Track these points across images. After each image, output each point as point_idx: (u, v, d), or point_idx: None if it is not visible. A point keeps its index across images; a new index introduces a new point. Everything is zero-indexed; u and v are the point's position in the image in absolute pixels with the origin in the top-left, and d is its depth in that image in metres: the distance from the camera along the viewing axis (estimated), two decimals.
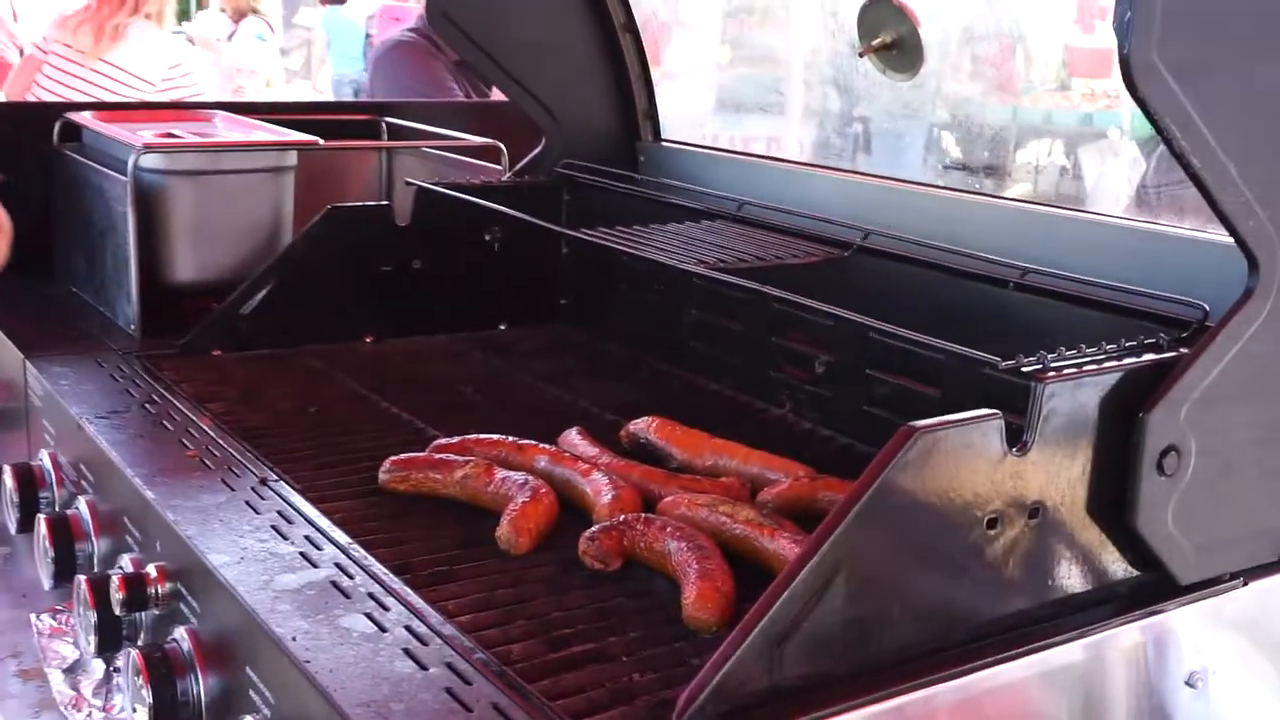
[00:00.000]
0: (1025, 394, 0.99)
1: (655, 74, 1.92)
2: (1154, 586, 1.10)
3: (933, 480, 0.94)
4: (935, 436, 0.92)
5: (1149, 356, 1.05)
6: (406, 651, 0.93)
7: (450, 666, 0.92)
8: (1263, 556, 1.15)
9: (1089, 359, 1.04)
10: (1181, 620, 1.09)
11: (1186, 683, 1.10)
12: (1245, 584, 1.13)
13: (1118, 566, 1.08)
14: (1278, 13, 1.03)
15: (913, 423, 0.92)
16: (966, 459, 0.95)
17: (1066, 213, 1.41)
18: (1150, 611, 1.08)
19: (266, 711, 0.98)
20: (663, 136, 1.98)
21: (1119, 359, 1.05)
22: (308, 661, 0.91)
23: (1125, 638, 1.06)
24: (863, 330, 1.25)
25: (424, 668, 0.91)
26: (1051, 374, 0.99)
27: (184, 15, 7.63)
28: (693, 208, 1.70)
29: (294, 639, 0.94)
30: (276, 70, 6.20)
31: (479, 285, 1.85)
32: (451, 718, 0.85)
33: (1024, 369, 1.00)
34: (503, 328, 1.87)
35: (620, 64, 1.94)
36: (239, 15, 6.18)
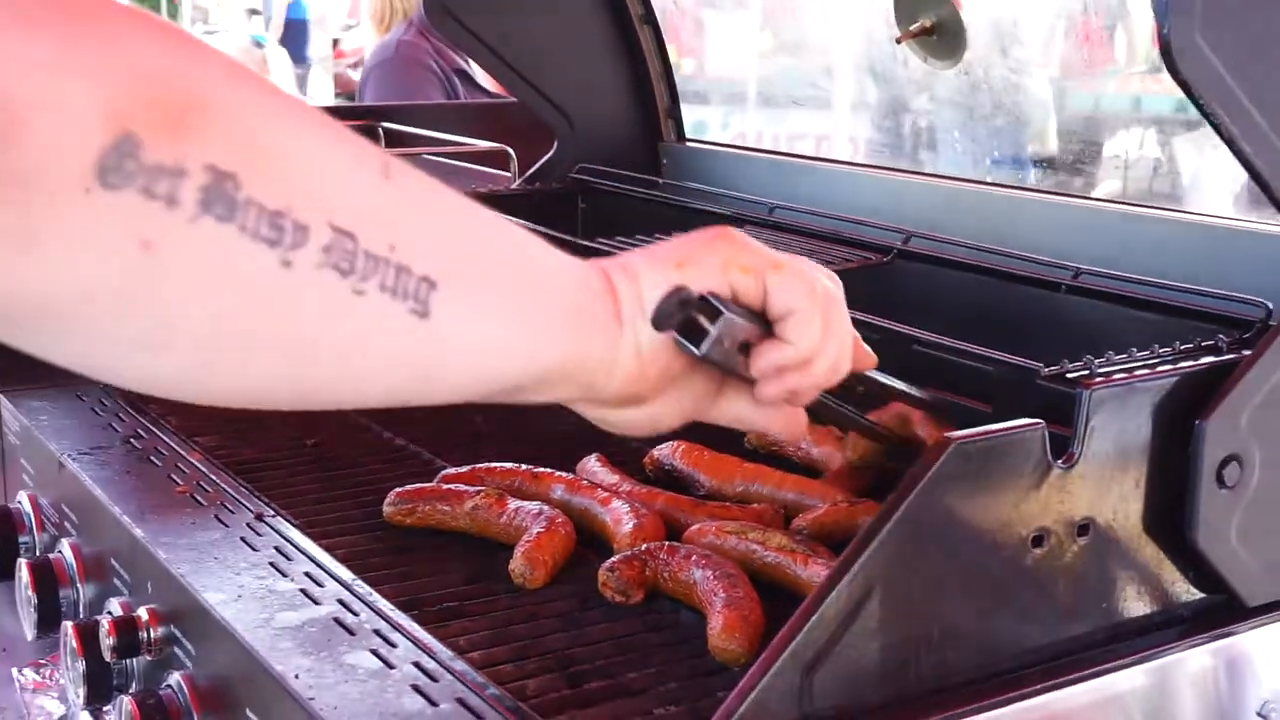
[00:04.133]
0: (1074, 402, 1.06)
1: (690, 67, 2.00)
2: (1220, 609, 1.14)
3: (971, 495, 0.99)
4: (973, 448, 0.97)
5: (1206, 360, 1.10)
6: (415, 688, 0.99)
7: (462, 702, 0.98)
8: None
9: (1140, 363, 1.09)
10: (1250, 645, 1.14)
11: (1259, 713, 1.13)
12: None
13: (1180, 588, 1.13)
14: None
15: (949, 433, 1.00)
16: (1008, 472, 1.00)
17: (1121, 207, 1.47)
18: (1214, 635, 1.12)
19: None
20: (688, 136, 2.05)
21: (1173, 363, 1.09)
22: (311, 699, 0.98)
23: (1188, 664, 1.11)
24: (906, 341, 1.31)
25: (434, 704, 0.97)
26: (1099, 380, 1.04)
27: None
28: (720, 213, 1.75)
29: (296, 676, 1.01)
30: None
31: None
32: None
33: (1069, 375, 1.05)
34: None
35: (639, 59, 2.00)
36: None
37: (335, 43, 9.98)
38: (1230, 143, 1.05)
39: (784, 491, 1.31)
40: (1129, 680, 1.08)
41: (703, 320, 0.93)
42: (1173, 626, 1.13)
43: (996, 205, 1.55)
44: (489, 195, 1.91)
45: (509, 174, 2.02)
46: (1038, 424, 1.02)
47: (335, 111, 2.56)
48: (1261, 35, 1.06)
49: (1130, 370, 1.08)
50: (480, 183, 2.02)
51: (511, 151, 2.02)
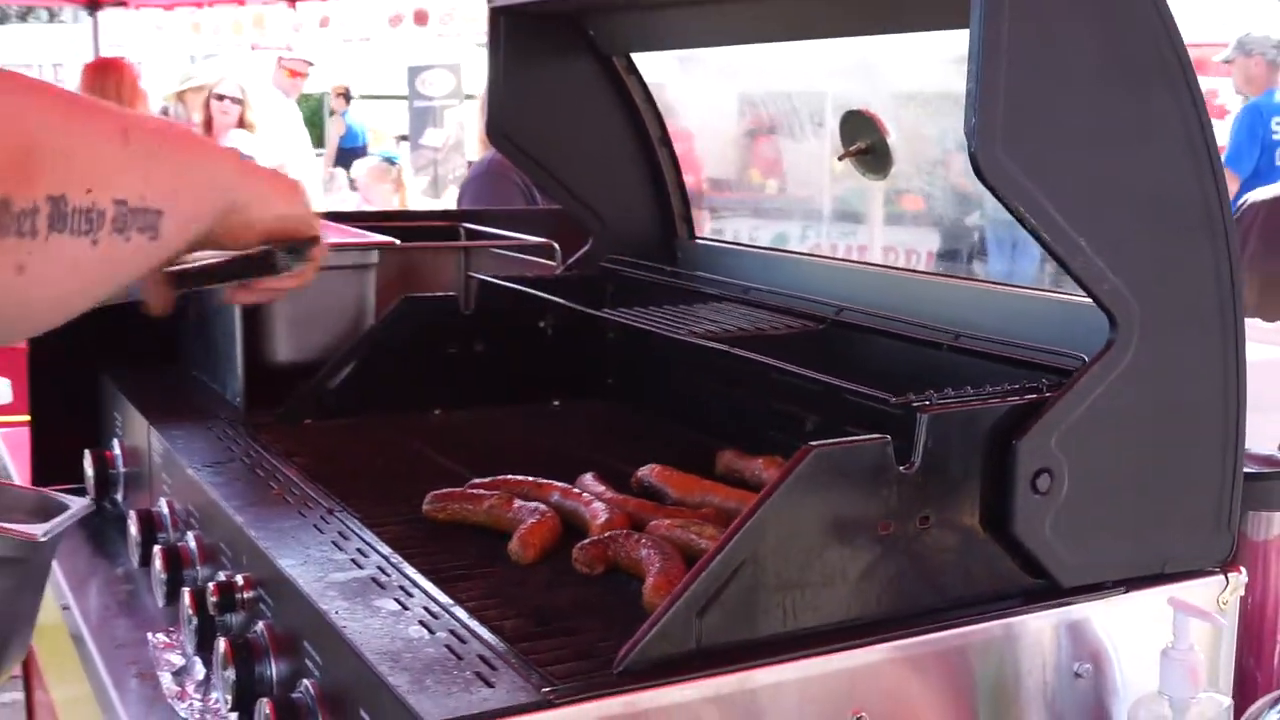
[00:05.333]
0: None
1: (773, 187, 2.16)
2: (1044, 591, 1.25)
3: (827, 489, 1.15)
4: (826, 452, 1.14)
5: (1028, 396, 1.24)
6: (421, 623, 1.18)
7: (453, 632, 1.16)
8: (1147, 569, 1.30)
9: (974, 397, 1.25)
10: (1065, 618, 1.25)
11: (1076, 673, 1.26)
12: (1127, 591, 1.28)
13: (1011, 572, 1.25)
14: (1109, 111, 1.21)
15: (811, 443, 1.16)
16: (859, 471, 1.16)
17: (996, 286, 1.63)
18: (1036, 610, 1.24)
19: (317, 674, 1.23)
20: (716, 238, 2.23)
21: (1001, 397, 1.24)
22: (344, 626, 1.17)
23: (1016, 630, 1.23)
24: (825, 385, 1.48)
25: (432, 632, 1.16)
26: (933, 407, 1.20)
27: None
28: (713, 293, 1.94)
29: (335, 613, 1.20)
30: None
31: (534, 365, 2.09)
32: (445, 661, 1.09)
33: (913, 404, 1.21)
34: (555, 403, 2.11)
35: (658, 173, 2.16)
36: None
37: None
38: (1033, 233, 1.18)
39: (728, 501, 1.48)
40: (962, 639, 1.20)
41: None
42: (1002, 601, 1.24)
43: (905, 285, 1.73)
44: (537, 279, 2.11)
45: (554, 263, 2.19)
46: (884, 437, 1.17)
47: (430, 214, 2.80)
48: (1054, 148, 1.19)
49: (964, 402, 1.24)
50: (530, 269, 2.19)
51: (556, 245, 2.19)
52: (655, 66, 2.17)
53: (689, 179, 2.15)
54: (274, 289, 1.33)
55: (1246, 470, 1.40)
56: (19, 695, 4.04)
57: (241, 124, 7.10)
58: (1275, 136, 6.86)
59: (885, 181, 1.77)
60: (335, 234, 2.24)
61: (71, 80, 14.96)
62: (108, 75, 5.88)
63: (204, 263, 1.29)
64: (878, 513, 1.18)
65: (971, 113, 1.15)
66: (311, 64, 7.90)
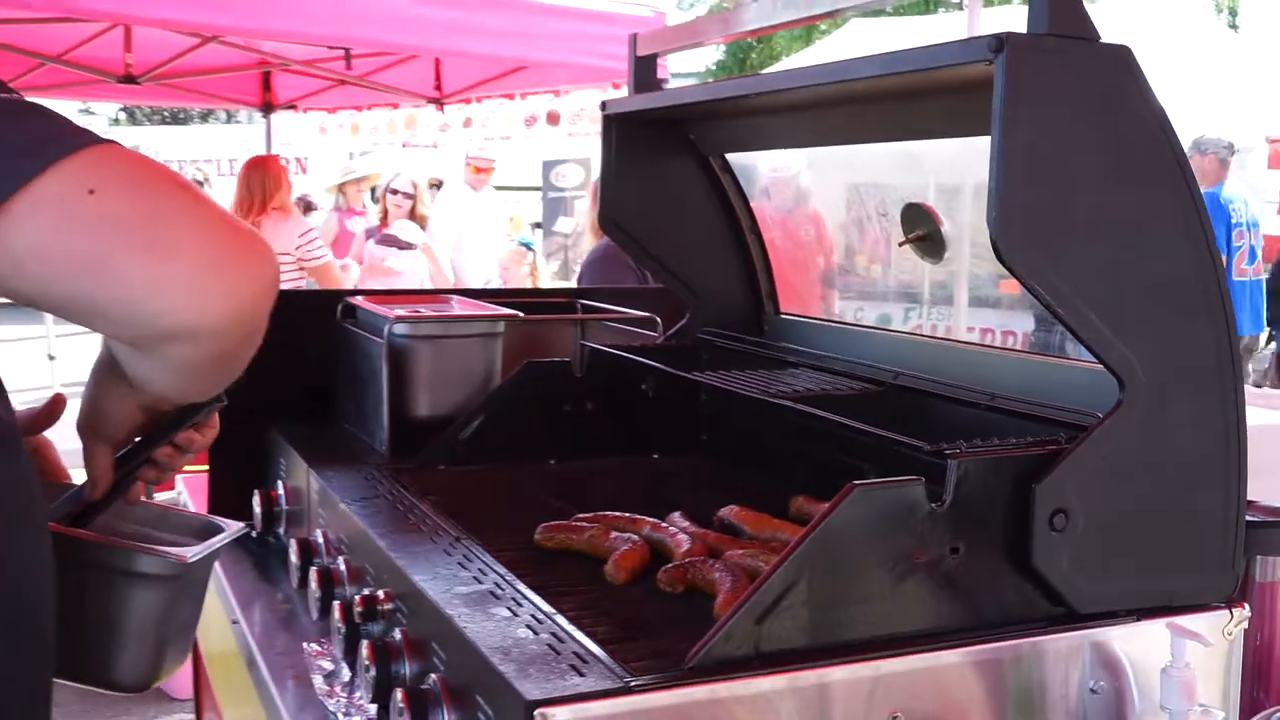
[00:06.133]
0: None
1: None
2: (1063, 617, 1.33)
3: (868, 520, 1.24)
4: (866, 490, 1.24)
5: (1047, 447, 1.33)
6: (528, 626, 1.29)
7: (553, 634, 1.27)
8: (1157, 600, 1.36)
9: (998, 446, 1.34)
10: (1082, 640, 1.32)
11: (1091, 689, 1.33)
12: (1139, 620, 1.35)
13: (1034, 600, 1.32)
14: (1114, 204, 1.30)
15: (854, 482, 1.26)
16: (896, 507, 1.25)
17: (1025, 355, 1.74)
18: (1056, 632, 1.31)
19: (442, 668, 1.34)
20: (789, 312, 2.30)
21: (1024, 448, 1.34)
22: (465, 628, 1.28)
23: (1038, 650, 1.31)
24: (879, 438, 1.59)
25: (536, 634, 1.27)
26: (963, 455, 1.29)
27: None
28: (787, 360, 2.04)
29: (459, 617, 1.32)
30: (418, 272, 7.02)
31: (637, 422, 2.19)
32: (546, 656, 1.20)
33: (945, 452, 1.30)
34: (655, 456, 2.21)
35: (748, 257, 2.26)
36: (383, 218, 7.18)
37: None
38: (1048, 308, 1.27)
39: (793, 536, 1.61)
40: (988, 654, 1.28)
41: None
42: (1026, 623, 1.32)
43: (951, 353, 1.82)
44: (641, 347, 2.22)
45: (656, 334, 2.27)
46: (918, 479, 1.27)
47: (551, 292, 2.93)
48: (1066, 236, 1.28)
49: (989, 450, 1.33)
50: (635, 339, 2.28)
51: (658, 319, 2.27)
52: (783, 159, 2.25)
53: (819, 261, 2.25)
54: (188, 450, 1.43)
55: (1255, 519, 1.48)
56: (189, 718, 4.23)
57: (412, 215, 7.48)
58: (1234, 220, 7.89)
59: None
60: (469, 308, 2.42)
61: None
62: (254, 169, 6.49)
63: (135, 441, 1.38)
64: (912, 543, 1.27)
65: (993, 206, 1.25)
66: (494, 161, 8.16)
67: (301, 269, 6.30)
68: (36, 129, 0.99)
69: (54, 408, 1.53)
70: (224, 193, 8.41)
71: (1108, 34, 1.30)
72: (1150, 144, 1.32)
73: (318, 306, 2.43)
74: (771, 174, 5.84)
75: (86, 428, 1.36)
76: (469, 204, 8.03)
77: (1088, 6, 1.29)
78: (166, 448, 1.40)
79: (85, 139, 0.99)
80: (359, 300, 2.37)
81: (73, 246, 0.96)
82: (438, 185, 11.73)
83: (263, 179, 6.34)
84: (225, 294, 0.99)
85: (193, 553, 1.40)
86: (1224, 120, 11.85)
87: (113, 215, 0.96)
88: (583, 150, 12.14)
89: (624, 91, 6.92)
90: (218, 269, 0.99)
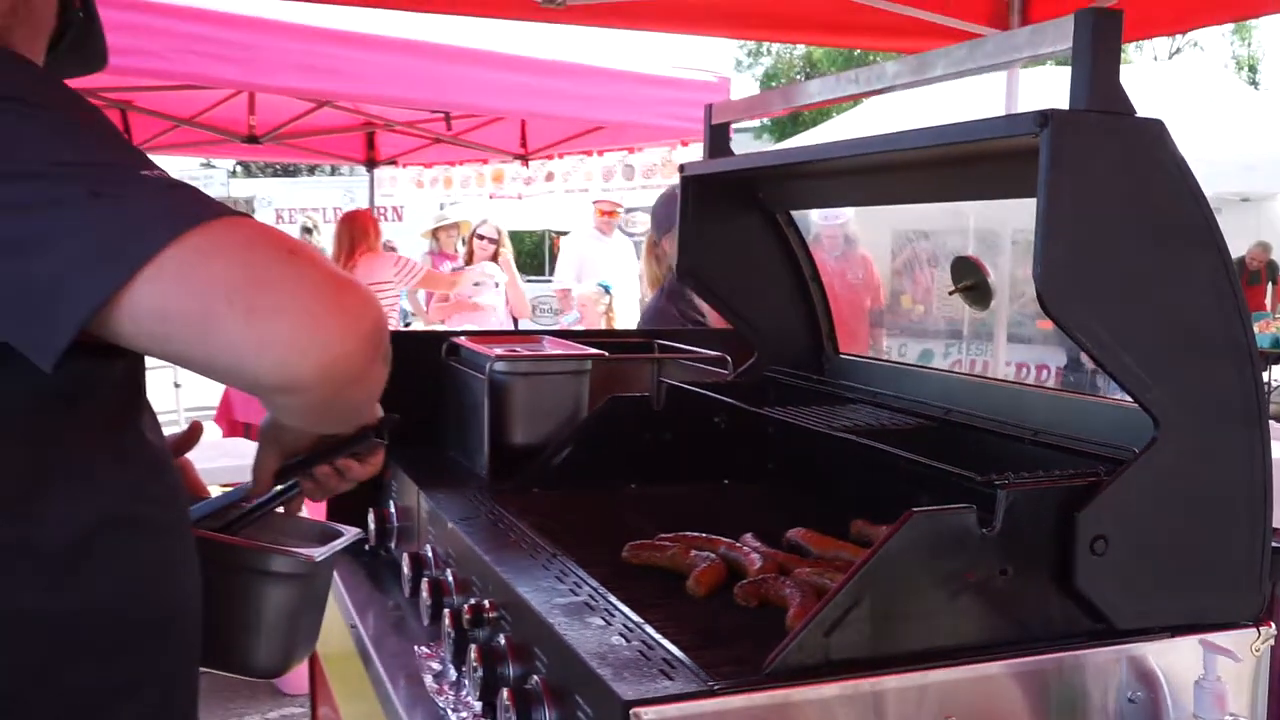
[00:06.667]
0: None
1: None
2: (1104, 632, 1.34)
3: (926, 543, 1.26)
4: (924, 516, 1.26)
5: (1087, 479, 1.35)
6: (620, 635, 1.32)
7: (643, 642, 1.30)
8: (1190, 618, 1.37)
9: (1043, 478, 1.35)
10: (1120, 654, 1.33)
11: (1129, 699, 1.34)
12: (1173, 636, 1.35)
13: (1076, 616, 1.33)
14: (1148, 260, 1.31)
15: (914, 508, 1.28)
16: (951, 532, 1.27)
17: (1066, 394, 1.75)
18: (1096, 646, 1.32)
19: (544, 670, 1.37)
20: (847, 352, 2.32)
21: (1064, 479, 1.35)
22: (565, 635, 1.32)
23: (1081, 662, 1.32)
24: (932, 468, 1.61)
25: (628, 641, 1.30)
26: (1011, 485, 1.30)
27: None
28: (846, 396, 2.07)
29: (558, 625, 1.35)
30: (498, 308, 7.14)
31: (710, 452, 2.21)
32: (638, 661, 1.23)
33: (995, 483, 1.31)
34: (726, 482, 2.23)
35: (810, 302, 2.29)
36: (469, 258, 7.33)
37: None
38: (1087, 352, 1.29)
39: (856, 557, 1.59)
40: (1035, 665, 1.30)
41: None
42: (1069, 638, 1.33)
43: (998, 392, 1.83)
44: (713, 384, 2.25)
45: (726, 372, 2.28)
46: (970, 506, 1.28)
47: (631, 333, 2.96)
48: (1104, 288, 1.30)
49: (1035, 481, 1.34)
50: (708, 376, 2.29)
51: (728, 358, 2.28)
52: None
53: (867, 301, 2.27)
54: (349, 476, 1.49)
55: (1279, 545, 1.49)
56: (300, 711, 4.29)
57: (494, 258, 7.63)
58: None
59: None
60: (560, 347, 2.46)
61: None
62: (343, 223, 7.01)
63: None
64: (965, 564, 1.29)
65: (1039, 263, 1.27)
66: (620, 204, 8.17)
67: (408, 287, 6.86)
68: (168, 202, 1.03)
69: (192, 434, 1.61)
70: (329, 238, 8.57)
71: (1139, 95, 1.32)
72: (1181, 207, 1.34)
73: (425, 345, 2.48)
74: (823, 222, 5.86)
75: (264, 434, 1.43)
76: (598, 249, 7.90)
77: (1121, 69, 1.30)
78: (327, 467, 1.46)
79: (208, 212, 1.03)
80: (462, 340, 2.42)
81: (188, 311, 1.00)
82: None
83: (350, 231, 6.76)
84: (319, 352, 1.01)
85: (319, 553, 1.46)
86: (1248, 171, 11.69)
87: (223, 283, 1.00)
88: (652, 200, 12.18)
89: (692, 148, 7.01)
90: (311, 331, 1.02)
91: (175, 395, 8.50)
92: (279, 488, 1.48)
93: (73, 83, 1.23)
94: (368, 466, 1.49)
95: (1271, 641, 1.42)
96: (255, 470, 1.46)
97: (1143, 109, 1.28)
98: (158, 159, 1.14)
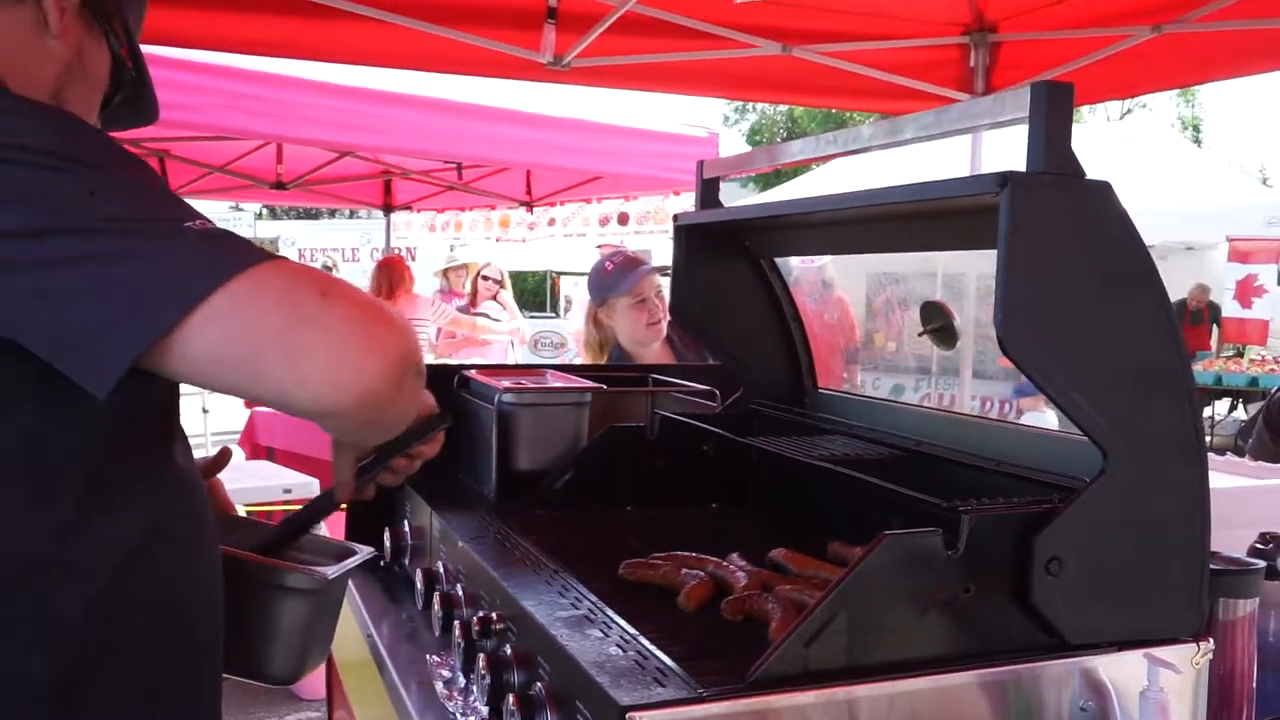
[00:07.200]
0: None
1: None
2: (1056, 646, 1.34)
3: (897, 563, 1.27)
4: (896, 538, 1.26)
5: (1042, 506, 1.35)
6: (617, 645, 1.33)
7: (639, 653, 1.30)
8: (1136, 634, 1.37)
9: (1002, 505, 1.36)
10: (1071, 667, 1.33)
11: (1081, 708, 1.34)
12: (1120, 650, 1.35)
13: (1031, 631, 1.33)
14: (1099, 306, 1.32)
15: (885, 531, 1.29)
16: (919, 553, 1.27)
17: (1026, 428, 1.76)
18: (1049, 659, 1.32)
19: (546, 678, 1.38)
20: (823, 386, 2.34)
21: (1021, 505, 1.36)
22: (566, 645, 1.32)
23: (1036, 674, 1.32)
24: (901, 495, 1.62)
25: (625, 652, 1.30)
26: (973, 511, 1.31)
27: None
28: (824, 428, 2.07)
29: (560, 636, 1.36)
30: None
31: (699, 478, 2.22)
32: (633, 669, 1.24)
33: (959, 509, 1.32)
34: (713, 505, 2.23)
35: (791, 341, 2.30)
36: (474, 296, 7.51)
37: None
38: (1042, 390, 1.31)
39: (833, 575, 1.59)
40: (997, 676, 1.30)
41: None
42: (1026, 651, 1.33)
43: (964, 426, 1.84)
44: (702, 415, 2.25)
45: (715, 404, 2.29)
46: (937, 530, 1.29)
47: (625, 367, 2.97)
48: (1058, 332, 1.30)
49: (995, 508, 1.35)
50: (697, 408, 2.30)
51: (717, 391, 2.29)
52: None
53: (841, 339, 2.29)
54: (418, 459, 1.53)
55: (1218, 567, 1.50)
56: (316, 715, 4.27)
57: (495, 298, 7.74)
58: None
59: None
60: (562, 380, 2.48)
61: (363, 262, 15.86)
62: (382, 268, 7.28)
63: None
64: (932, 582, 1.29)
65: (999, 308, 1.28)
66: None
67: (437, 326, 7.27)
68: (213, 251, 1.06)
69: (222, 458, 1.63)
70: (349, 278, 8.64)
71: (1093, 152, 1.35)
72: (1126, 258, 1.36)
73: (438, 377, 2.48)
74: (802, 265, 5.89)
75: (336, 442, 1.45)
76: None
77: (1075, 131, 1.33)
78: (401, 459, 1.46)
79: (249, 259, 1.05)
80: (473, 373, 2.44)
81: (238, 354, 1.03)
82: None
83: (388, 275, 7.08)
84: (352, 384, 1.05)
85: (332, 571, 1.48)
86: (1191, 222, 11.79)
87: (266, 326, 1.03)
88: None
89: (683, 197, 7.04)
90: (345, 365, 1.05)
91: (203, 420, 8.49)
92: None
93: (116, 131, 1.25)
94: (434, 446, 1.52)
95: (1210, 656, 1.43)
96: (336, 473, 1.48)
97: (1096, 165, 1.31)
98: (191, 202, 1.17)
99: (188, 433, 1.38)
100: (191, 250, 1.04)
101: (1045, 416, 6.58)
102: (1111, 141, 13.14)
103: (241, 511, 1.61)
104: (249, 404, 6.34)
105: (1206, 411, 11.25)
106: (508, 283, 8.01)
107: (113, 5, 1.31)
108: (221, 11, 3.81)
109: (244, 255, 1.05)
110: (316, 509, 1.57)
